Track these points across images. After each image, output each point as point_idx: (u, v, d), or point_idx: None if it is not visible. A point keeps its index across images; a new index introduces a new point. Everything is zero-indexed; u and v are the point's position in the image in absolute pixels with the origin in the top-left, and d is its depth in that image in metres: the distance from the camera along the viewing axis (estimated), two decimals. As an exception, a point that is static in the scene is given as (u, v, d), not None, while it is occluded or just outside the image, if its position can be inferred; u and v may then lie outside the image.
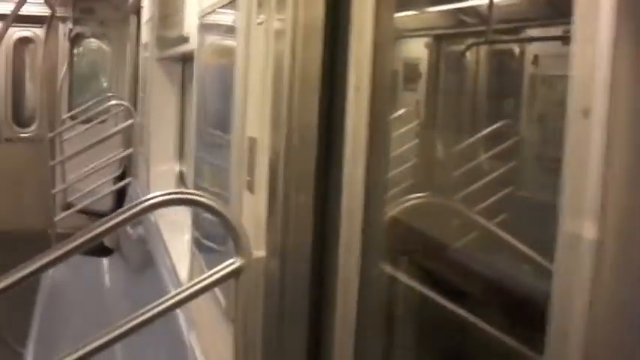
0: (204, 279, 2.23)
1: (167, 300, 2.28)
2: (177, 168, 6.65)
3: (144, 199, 2.16)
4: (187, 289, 2.26)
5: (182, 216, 5.21)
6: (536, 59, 2.37)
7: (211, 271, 2.21)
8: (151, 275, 4.89)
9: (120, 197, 9.54)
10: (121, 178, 9.46)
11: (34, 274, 2.25)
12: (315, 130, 2.06)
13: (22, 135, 12.56)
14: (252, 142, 2.41)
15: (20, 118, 12.72)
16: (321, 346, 2.14)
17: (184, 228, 4.98)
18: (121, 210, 2.20)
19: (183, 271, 4.10)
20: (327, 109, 2.06)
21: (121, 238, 7.00)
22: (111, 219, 2.19)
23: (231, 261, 2.16)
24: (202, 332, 3.26)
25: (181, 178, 6.59)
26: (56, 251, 2.26)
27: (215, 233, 3.06)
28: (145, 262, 5.39)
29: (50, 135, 8.18)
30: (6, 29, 5.50)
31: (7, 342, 5.87)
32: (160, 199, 2.16)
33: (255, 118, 2.41)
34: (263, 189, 2.26)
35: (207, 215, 3.24)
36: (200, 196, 2.18)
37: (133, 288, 5.71)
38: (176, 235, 5.00)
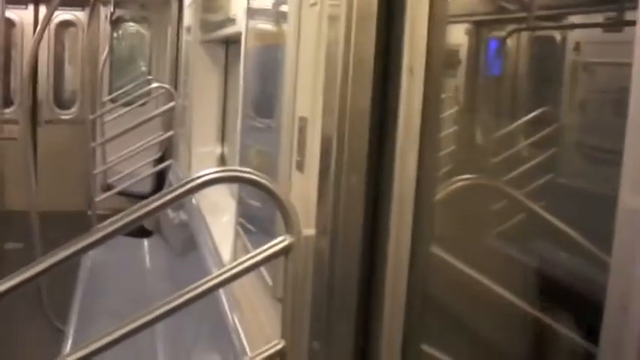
0: (254, 256, 2.24)
1: (214, 277, 2.30)
2: (218, 150, 6.68)
3: (196, 176, 2.18)
4: (236, 266, 2.27)
5: (224, 198, 5.25)
6: (577, 46, 2.36)
7: (260, 249, 2.22)
8: (193, 257, 4.92)
9: (159, 179, 9.60)
10: (160, 160, 9.51)
11: (77, 255, 2.28)
12: (367, 113, 2.07)
13: (62, 117, 12.66)
14: (303, 122, 2.43)
15: (60, 100, 12.83)
16: (370, 326, 2.15)
17: (226, 210, 5.02)
18: (173, 187, 2.21)
19: (225, 254, 4.12)
20: (380, 91, 2.07)
21: (162, 221, 7.05)
22: (163, 195, 2.20)
23: (280, 238, 2.17)
24: (246, 312, 3.27)
25: (222, 161, 6.63)
26: (110, 227, 2.28)
27: (261, 214, 3.08)
28: (186, 244, 5.43)
29: (92, 117, 8.21)
30: (51, 13, 5.55)
31: (49, 319, 5.93)
32: (212, 176, 2.18)
33: (306, 99, 2.42)
34: (314, 169, 2.27)
35: (253, 196, 3.27)
36: (250, 173, 2.20)
37: (173, 269, 5.75)
38: (218, 218, 5.03)
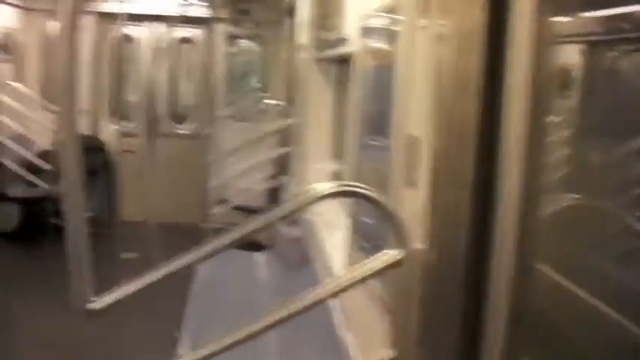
0: (364, 269, 2.33)
1: (325, 288, 2.39)
2: (332, 167, 6.79)
3: (313, 190, 2.28)
4: (347, 278, 2.36)
5: (336, 215, 5.35)
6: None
7: (371, 262, 2.31)
8: (305, 272, 5.03)
9: (273, 195, 9.76)
10: (275, 176, 9.68)
11: (192, 265, 2.41)
12: (474, 131, 2.14)
13: (178, 131, 12.96)
14: (413, 139, 2.52)
15: (176, 115, 13.14)
16: (475, 338, 2.21)
17: (338, 227, 5.12)
18: (290, 202, 2.32)
19: (337, 269, 4.21)
20: (486, 111, 2.14)
21: (275, 235, 7.18)
22: (280, 209, 2.31)
23: (392, 252, 2.26)
24: (356, 323, 3.36)
25: (336, 177, 6.73)
26: (228, 237, 2.39)
27: (373, 229, 3.17)
28: (299, 259, 5.54)
29: (208, 132, 8.42)
30: (171, 31, 5.75)
31: (164, 327, 6.11)
32: (329, 190, 2.28)
33: (416, 117, 2.51)
34: (424, 185, 2.36)
35: (366, 212, 3.37)
36: (363, 188, 2.29)
37: (286, 283, 5.87)
38: (330, 234, 5.13)
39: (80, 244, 2.35)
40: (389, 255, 2.26)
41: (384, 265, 2.27)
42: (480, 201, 2.15)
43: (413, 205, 2.46)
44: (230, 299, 6.25)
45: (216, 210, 8.19)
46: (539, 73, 2.04)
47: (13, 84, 11.48)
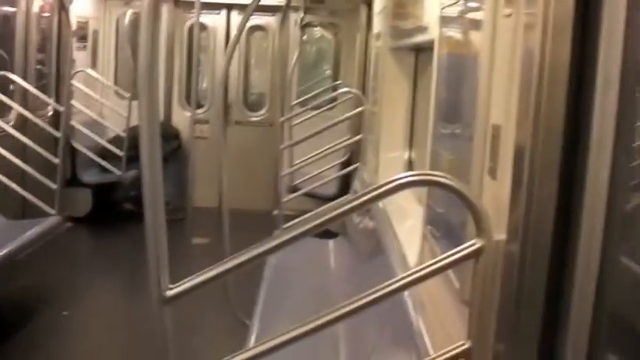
0: (443, 259, 2.31)
1: (403, 278, 2.37)
2: (406, 155, 6.76)
3: (390, 179, 2.26)
4: (425, 267, 2.34)
5: (410, 204, 5.33)
6: None
7: (451, 252, 2.28)
8: (378, 260, 5.02)
9: (344, 183, 9.76)
10: (346, 163, 9.67)
11: (266, 254, 2.40)
12: (561, 121, 2.10)
13: (251, 119, 13.03)
14: (496, 129, 2.48)
15: (248, 103, 13.22)
16: (556, 331, 2.18)
17: (412, 216, 5.10)
18: (367, 190, 2.29)
19: (411, 259, 4.19)
20: (574, 100, 2.10)
21: (347, 223, 7.17)
22: (358, 197, 2.29)
23: (472, 242, 2.23)
24: (430, 315, 3.33)
25: (410, 166, 6.71)
26: (303, 225, 2.38)
27: (450, 219, 3.14)
28: (372, 247, 5.53)
29: (282, 119, 8.43)
30: (247, 19, 5.77)
31: (236, 314, 6.14)
32: (407, 179, 2.26)
33: (499, 107, 2.47)
34: (506, 175, 2.32)
35: (442, 201, 3.33)
36: (444, 177, 2.26)
37: (358, 271, 5.86)
38: (404, 223, 5.11)
39: (158, 234, 2.36)
40: (469, 245, 2.23)
41: (464, 255, 2.24)
42: (566, 193, 2.11)
43: (495, 195, 2.43)
44: (301, 287, 6.27)
45: (288, 197, 8.19)
46: (631, 64, 1.99)
47: (88, 71, 11.62)
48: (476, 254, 2.22)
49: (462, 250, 2.25)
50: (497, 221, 2.30)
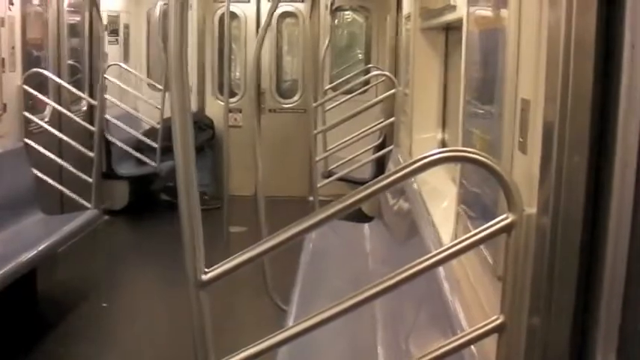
0: (475, 234, 2.32)
1: (437, 254, 2.38)
2: (439, 136, 6.76)
3: (421, 156, 2.27)
4: (458, 243, 2.35)
5: (444, 184, 5.33)
6: None
7: (482, 227, 2.29)
8: (413, 242, 5.02)
9: (379, 166, 9.77)
10: (380, 147, 9.68)
11: (300, 235, 2.42)
12: (589, 94, 2.10)
13: (284, 105, 13.06)
14: (525, 104, 2.48)
15: (281, 90, 13.25)
16: (589, 304, 2.18)
17: (446, 196, 5.10)
18: (399, 167, 2.30)
19: (446, 239, 4.19)
20: (602, 71, 2.10)
21: (382, 206, 7.18)
22: (390, 175, 2.30)
23: (503, 217, 2.24)
24: (465, 291, 3.34)
25: (443, 146, 6.70)
26: (335, 206, 2.40)
27: (483, 197, 3.14)
28: (407, 229, 5.54)
29: (315, 105, 8.43)
30: (276, 6, 5.79)
31: (272, 299, 6.18)
32: (437, 156, 2.27)
33: (528, 82, 2.47)
34: (536, 150, 2.32)
35: (475, 179, 3.34)
36: (474, 153, 2.27)
37: (393, 253, 5.87)
38: (438, 203, 5.11)
39: (193, 218, 2.39)
40: (500, 220, 2.24)
41: (496, 229, 2.25)
42: (596, 165, 2.11)
43: (525, 170, 2.43)
44: (338, 271, 6.29)
45: (323, 183, 8.20)
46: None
47: (121, 64, 11.69)
48: (508, 229, 2.23)
49: (494, 224, 2.26)
50: (529, 196, 2.31)
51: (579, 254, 2.15)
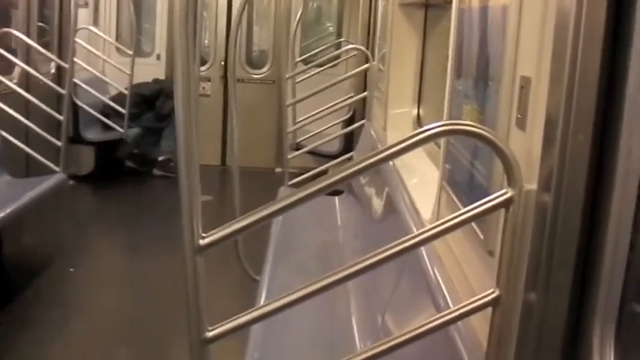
0: (473, 209, 2.32)
1: (428, 230, 2.39)
2: (414, 111, 6.79)
3: (419, 131, 2.27)
4: (454, 218, 2.35)
5: (417, 158, 5.35)
6: None
7: (480, 202, 2.30)
8: (388, 215, 5.04)
9: (348, 140, 9.79)
10: (349, 121, 9.69)
11: (277, 214, 2.44)
12: (596, 75, 2.10)
13: (253, 76, 13.04)
14: (525, 81, 2.49)
15: (251, 60, 13.22)
16: (588, 281, 2.20)
17: (421, 171, 5.12)
18: (395, 142, 2.29)
19: (426, 214, 4.21)
20: (610, 51, 2.11)
21: (353, 180, 7.20)
22: (386, 150, 2.30)
23: (502, 191, 2.25)
24: (448, 266, 3.36)
25: (419, 121, 6.74)
26: (322, 182, 2.40)
27: (470, 173, 3.15)
28: (381, 204, 5.55)
29: (287, 76, 8.41)
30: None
31: (246, 271, 6.20)
32: (438, 129, 2.27)
33: (529, 59, 2.48)
34: (537, 126, 2.34)
35: (460, 154, 3.35)
36: (474, 126, 2.27)
37: (365, 226, 5.89)
38: (415, 179, 5.13)
39: (192, 184, 2.39)
40: (499, 195, 2.25)
41: (495, 204, 2.26)
42: (600, 144, 2.12)
43: (523, 146, 2.45)
44: (308, 243, 6.32)
45: (293, 155, 8.20)
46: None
47: (91, 28, 11.60)
48: (506, 204, 2.24)
49: (492, 199, 2.26)
50: (525, 172, 2.32)
51: (580, 231, 2.17)
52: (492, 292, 2.31)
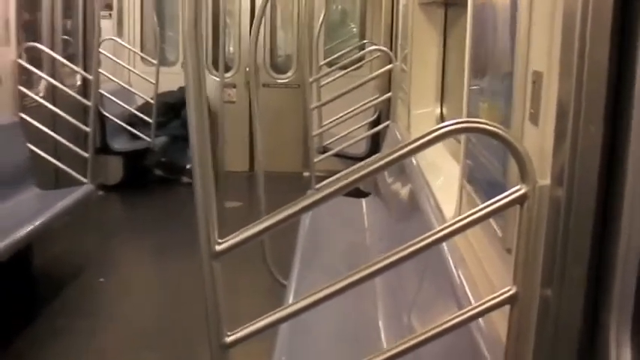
0: (488, 205, 2.32)
1: (450, 225, 2.39)
2: (437, 111, 6.77)
3: (433, 129, 2.27)
4: (470, 215, 2.35)
5: (443, 158, 5.34)
6: None
7: (495, 198, 2.30)
8: (413, 216, 5.04)
9: (374, 141, 9.78)
10: (375, 122, 9.69)
11: (300, 213, 2.43)
12: (605, 67, 2.09)
13: (278, 81, 13.06)
14: (538, 76, 2.48)
15: (275, 65, 13.25)
16: (603, 276, 2.19)
17: (445, 170, 5.11)
18: (410, 140, 2.30)
19: (449, 214, 4.20)
20: (619, 48, 2.10)
21: (379, 182, 7.20)
22: (403, 147, 2.30)
23: (516, 188, 2.24)
24: (470, 265, 3.35)
25: (442, 121, 6.72)
26: (338, 183, 2.39)
27: (489, 171, 3.14)
28: (405, 205, 5.55)
29: (311, 80, 8.42)
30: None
31: (272, 273, 6.21)
32: (450, 128, 2.26)
33: (540, 53, 2.47)
34: (549, 121, 2.33)
35: (480, 153, 3.34)
36: (487, 124, 2.27)
37: (392, 228, 5.89)
38: (439, 179, 5.12)
39: (207, 190, 2.40)
40: (513, 191, 2.25)
41: (510, 201, 2.25)
42: (611, 138, 2.11)
43: (537, 141, 2.44)
44: (336, 245, 6.32)
45: (319, 158, 8.20)
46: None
47: (115, 39, 11.67)
48: (521, 200, 2.23)
49: (507, 196, 2.26)
50: (540, 167, 2.31)
51: (593, 226, 2.16)
52: (509, 290, 2.30)
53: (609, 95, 2.09)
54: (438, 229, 2.41)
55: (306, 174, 8.81)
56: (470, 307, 2.43)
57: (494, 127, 2.24)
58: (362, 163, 8.78)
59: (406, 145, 2.30)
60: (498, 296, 2.33)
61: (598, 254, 2.18)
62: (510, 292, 2.30)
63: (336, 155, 8.85)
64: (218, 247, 2.40)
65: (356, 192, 7.91)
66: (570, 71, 2.12)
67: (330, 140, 9.03)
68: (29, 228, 6.66)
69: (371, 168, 2.35)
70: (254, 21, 6.07)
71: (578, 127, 2.12)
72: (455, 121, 2.31)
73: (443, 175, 5.21)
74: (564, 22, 2.22)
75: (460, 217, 2.38)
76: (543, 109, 2.43)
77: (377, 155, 2.36)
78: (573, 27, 2.12)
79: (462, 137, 3.77)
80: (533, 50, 2.58)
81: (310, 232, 6.35)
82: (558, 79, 2.24)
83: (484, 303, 2.38)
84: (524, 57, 2.63)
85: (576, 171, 2.15)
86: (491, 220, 2.82)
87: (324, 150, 9.04)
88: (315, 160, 7.85)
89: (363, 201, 7.36)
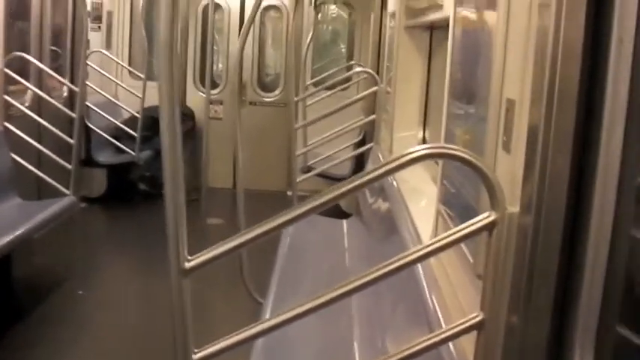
0: (457, 232, 2.33)
1: (418, 250, 2.39)
2: (420, 134, 6.79)
3: (405, 152, 2.28)
4: (439, 240, 2.36)
5: (424, 183, 5.36)
6: None
7: (464, 225, 2.30)
8: (392, 239, 5.04)
9: (358, 163, 9.78)
10: (360, 144, 9.69)
11: (277, 229, 2.42)
12: (575, 95, 2.12)
13: (265, 99, 13.08)
14: (510, 104, 2.50)
15: (263, 83, 13.27)
16: (567, 305, 2.20)
17: (426, 194, 5.12)
18: (382, 163, 2.31)
19: (426, 238, 4.21)
20: (588, 75, 2.12)
21: (360, 203, 7.20)
22: (373, 171, 2.31)
23: (485, 215, 2.25)
24: (444, 290, 3.36)
25: (424, 144, 6.73)
26: (316, 200, 2.40)
27: (465, 196, 3.15)
28: (385, 226, 5.55)
29: (296, 99, 8.43)
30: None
31: (249, 292, 6.20)
32: (421, 152, 2.27)
33: (513, 82, 2.49)
34: (520, 149, 2.34)
35: (456, 179, 3.36)
36: (458, 150, 2.28)
37: (371, 249, 5.89)
38: (417, 201, 5.13)
39: (178, 208, 2.40)
40: (483, 218, 2.25)
41: (478, 227, 2.26)
42: (579, 166, 2.13)
43: (509, 169, 2.45)
44: (315, 265, 6.31)
45: (302, 177, 8.20)
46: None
47: (103, 51, 11.67)
48: (490, 227, 2.24)
49: (476, 222, 2.27)
50: (511, 195, 2.33)
51: (560, 254, 2.18)
52: (477, 316, 2.31)
53: (578, 124, 2.11)
54: (409, 252, 2.41)
55: (289, 193, 8.80)
56: (438, 332, 2.44)
57: (466, 153, 2.25)
58: (342, 182, 8.80)
59: (380, 167, 2.31)
60: (466, 322, 2.34)
61: (564, 282, 2.20)
62: (478, 319, 2.31)
63: (321, 175, 8.85)
64: (187, 264, 2.39)
65: (338, 213, 7.92)
66: (541, 100, 2.15)
67: (315, 160, 9.03)
68: (10, 238, 6.62)
69: (345, 188, 2.35)
70: (239, 38, 6.07)
71: (547, 155, 2.14)
72: (429, 145, 2.33)
73: (425, 199, 5.22)
74: (536, 52, 2.24)
75: (431, 242, 2.39)
76: (515, 137, 2.44)
77: (354, 176, 2.35)
78: (545, 57, 2.14)
79: (440, 162, 3.79)
80: (507, 78, 2.60)
81: (290, 252, 6.34)
82: (529, 107, 2.26)
83: (452, 328, 2.38)
84: (498, 84, 2.64)
85: (544, 198, 2.16)
86: (463, 246, 2.84)
87: (309, 169, 9.05)
88: (298, 179, 7.85)
89: (344, 222, 7.36)
